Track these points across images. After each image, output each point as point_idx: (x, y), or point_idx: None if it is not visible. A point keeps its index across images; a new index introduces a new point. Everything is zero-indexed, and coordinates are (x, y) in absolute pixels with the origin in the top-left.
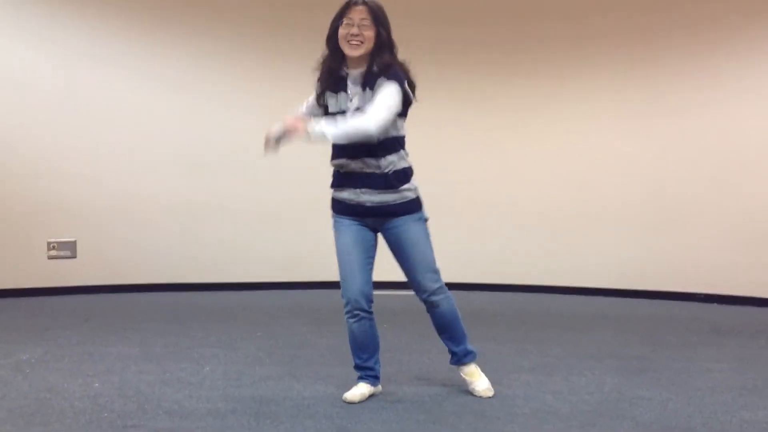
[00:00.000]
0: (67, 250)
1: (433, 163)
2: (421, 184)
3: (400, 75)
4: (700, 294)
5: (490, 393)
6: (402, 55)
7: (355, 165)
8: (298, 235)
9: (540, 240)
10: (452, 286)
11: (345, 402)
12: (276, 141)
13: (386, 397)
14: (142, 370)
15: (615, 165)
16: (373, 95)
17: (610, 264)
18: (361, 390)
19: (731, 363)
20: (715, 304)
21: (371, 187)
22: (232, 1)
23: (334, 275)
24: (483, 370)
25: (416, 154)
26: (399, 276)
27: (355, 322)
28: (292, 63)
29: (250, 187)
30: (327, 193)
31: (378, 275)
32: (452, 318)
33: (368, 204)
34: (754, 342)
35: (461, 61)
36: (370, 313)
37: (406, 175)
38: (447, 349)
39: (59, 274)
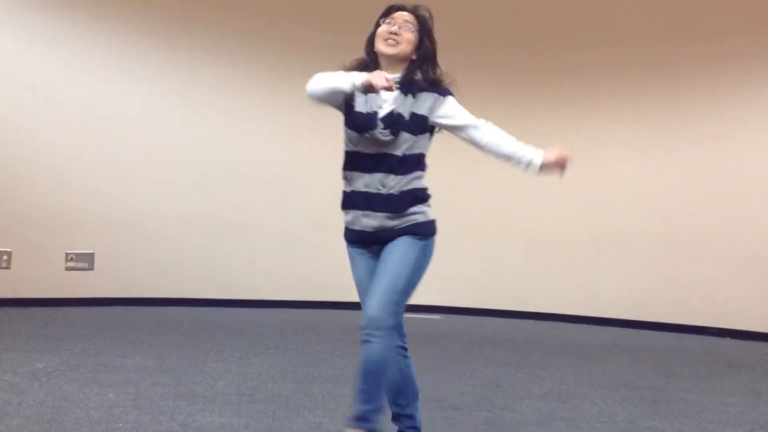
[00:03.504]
0: (85, 261)
1: (448, 189)
2: (435, 209)
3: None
4: (712, 328)
5: None
6: None
7: (369, 180)
8: (314, 254)
9: (555, 268)
10: (467, 311)
11: None
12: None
13: None
14: (156, 383)
15: (631, 196)
16: (415, 103)
17: (623, 294)
18: None
19: (745, 397)
20: (728, 339)
21: (377, 210)
22: (260, 24)
23: (348, 296)
24: (495, 395)
25: (432, 178)
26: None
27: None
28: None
29: (268, 205)
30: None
31: None
32: (377, 367)
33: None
34: (767, 377)
35: (479, 87)
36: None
37: (416, 197)
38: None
39: (76, 286)
